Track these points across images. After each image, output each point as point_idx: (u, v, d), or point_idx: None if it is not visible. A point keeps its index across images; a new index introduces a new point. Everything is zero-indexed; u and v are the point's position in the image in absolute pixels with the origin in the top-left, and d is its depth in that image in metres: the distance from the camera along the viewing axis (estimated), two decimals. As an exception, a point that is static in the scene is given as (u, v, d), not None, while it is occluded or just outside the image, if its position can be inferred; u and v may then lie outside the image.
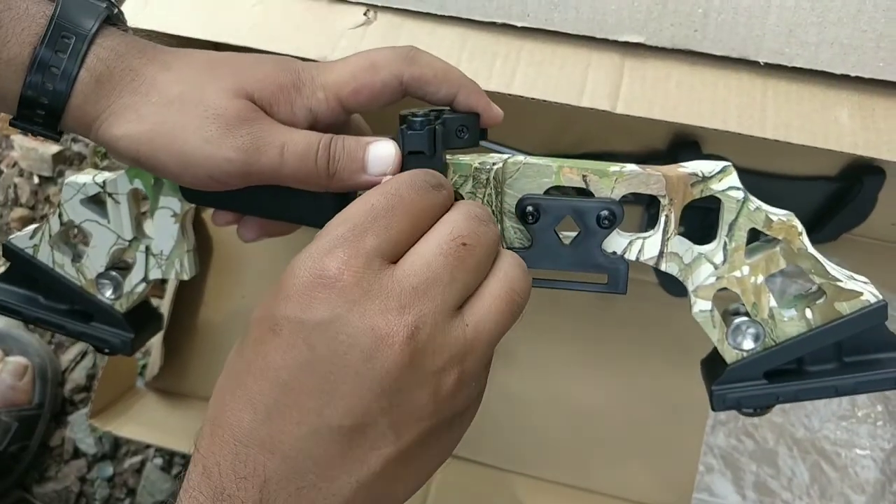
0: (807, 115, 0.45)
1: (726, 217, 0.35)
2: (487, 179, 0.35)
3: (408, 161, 0.34)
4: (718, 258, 0.36)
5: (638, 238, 0.35)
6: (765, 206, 0.35)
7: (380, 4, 0.49)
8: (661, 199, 0.34)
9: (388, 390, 0.25)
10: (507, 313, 0.28)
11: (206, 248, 0.64)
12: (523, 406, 0.62)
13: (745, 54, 0.46)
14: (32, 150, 0.72)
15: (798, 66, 0.46)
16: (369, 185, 0.33)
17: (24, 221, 0.73)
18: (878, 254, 0.61)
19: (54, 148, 0.72)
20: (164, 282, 0.65)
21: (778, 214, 0.35)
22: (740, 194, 0.35)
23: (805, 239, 0.35)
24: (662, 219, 0.35)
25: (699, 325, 0.37)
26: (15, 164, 0.74)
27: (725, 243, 0.35)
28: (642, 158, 0.58)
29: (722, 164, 0.35)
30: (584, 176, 0.34)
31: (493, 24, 0.48)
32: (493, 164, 0.34)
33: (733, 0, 0.46)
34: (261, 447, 0.25)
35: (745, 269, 0.36)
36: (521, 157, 0.35)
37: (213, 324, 0.64)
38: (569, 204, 0.34)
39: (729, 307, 0.37)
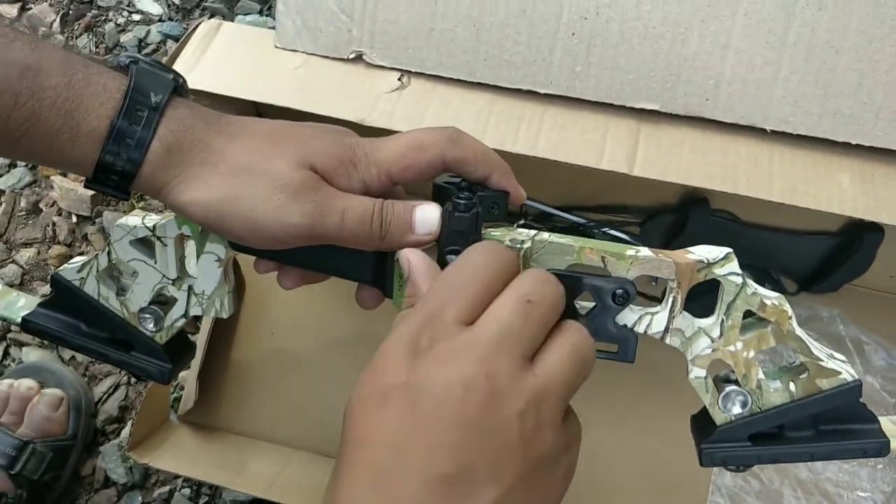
0: (811, 180, 0.49)
1: (725, 298, 0.39)
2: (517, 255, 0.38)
3: (450, 237, 0.38)
4: (715, 333, 0.39)
5: (647, 314, 0.39)
6: (760, 291, 0.39)
7: (414, 70, 0.53)
8: (671, 283, 0.38)
9: (481, 432, 0.29)
10: (573, 368, 0.32)
11: (239, 287, 0.67)
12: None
13: (753, 122, 0.50)
14: (72, 190, 0.75)
15: (802, 133, 0.49)
16: (416, 245, 0.38)
17: (62, 259, 0.76)
18: (878, 304, 0.64)
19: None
20: (198, 318, 0.69)
21: (771, 298, 0.39)
22: (739, 279, 0.39)
23: (794, 322, 0.39)
24: (670, 300, 0.39)
25: (694, 389, 0.40)
26: (54, 203, 0.77)
27: (723, 321, 0.39)
28: (654, 211, 0.62)
29: (725, 251, 0.39)
30: (602, 257, 0.38)
31: (519, 90, 0.52)
32: (522, 241, 0.38)
33: (742, 73, 0.49)
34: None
35: (739, 345, 0.39)
36: (546, 236, 0.38)
37: (244, 360, 0.67)
38: (589, 280, 0.37)
39: (720, 373, 0.41)
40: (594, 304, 0.38)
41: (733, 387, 0.40)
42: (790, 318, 0.39)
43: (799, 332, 0.39)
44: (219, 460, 0.63)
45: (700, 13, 0.49)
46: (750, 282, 0.39)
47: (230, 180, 0.36)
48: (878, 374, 0.60)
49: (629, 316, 0.38)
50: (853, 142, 0.49)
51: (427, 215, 0.38)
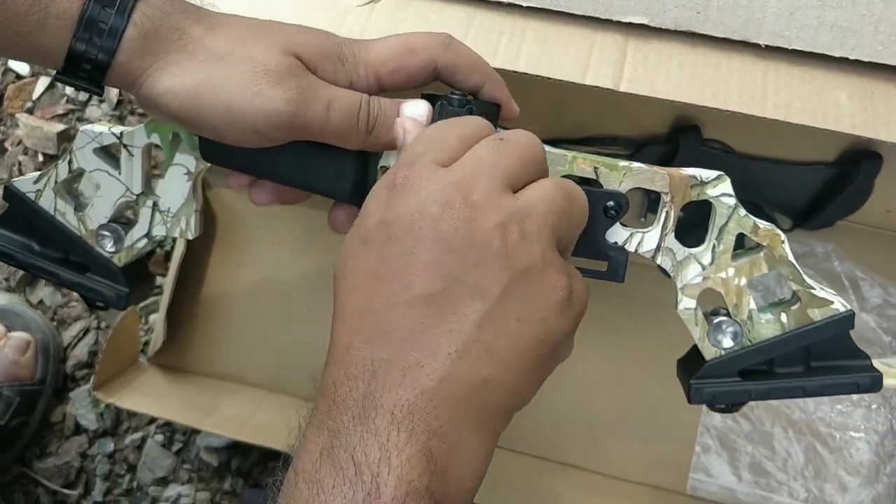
0: (806, 97, 0.46)
1: (717, 221, 0.38)
2: None
3: None
4: (706, 259, 0.38)
5: (638, 231, 0.37)
6: (752, 216, 0.38)
7: (386, -17, 0.50)
8: (664, 196, 0.37)
9: (461, 246, 0.28)
10: (558, 196, 0.31)
11: (209, 227, 0.64)
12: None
13: (746, 36, 0.47)
14: (37, 128, 0.72)
15: (798, 48, 0.47)
16: (398, 143, 0.36)
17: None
18: (874, 241, 0.62)
19: (59, 126, 0.72)
20: (167, 256, 0.66)
21: (764, 224, 0.38)
22: (732, 201, 0.37)
23: (787, 247, 0.38)
24: (663, 214, 0.37)
25: (683, 321, 0.39)
26: (20, 142, 0.74)
27: (714, 245, 0.38)
28: (643, 142, 0.59)
29: (717, 172, 0.38)
30: (595, 168, 0.37)
31: (500, 3, 0.49)
32: None
33: (736, -18, 0.46)
34: (368, 342, 0.28)
35: (731, 271, 0.38)
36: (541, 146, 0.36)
37: (214, 301, 0.65)
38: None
39: (709, 309, 0.39)
40: None
41: (724, 318, 0.39)
42: (783, 242, 0.38)
43: (792, 258, 0.38)
44: (188, 401, 0.61)
45: (692, -83, 0.46)
46: (741, 206, 0.38)
47: (209, 67, 0.34)
48: (874, 311, 0.58)
49: (620, 233, 0.37)
50: (851, 57, 0.46)
51: (415, 109, 0.37)
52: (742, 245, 0.39)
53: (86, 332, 0.72)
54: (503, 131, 0.33)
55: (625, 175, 0.36)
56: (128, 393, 0.59)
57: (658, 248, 0.37)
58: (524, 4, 0.48)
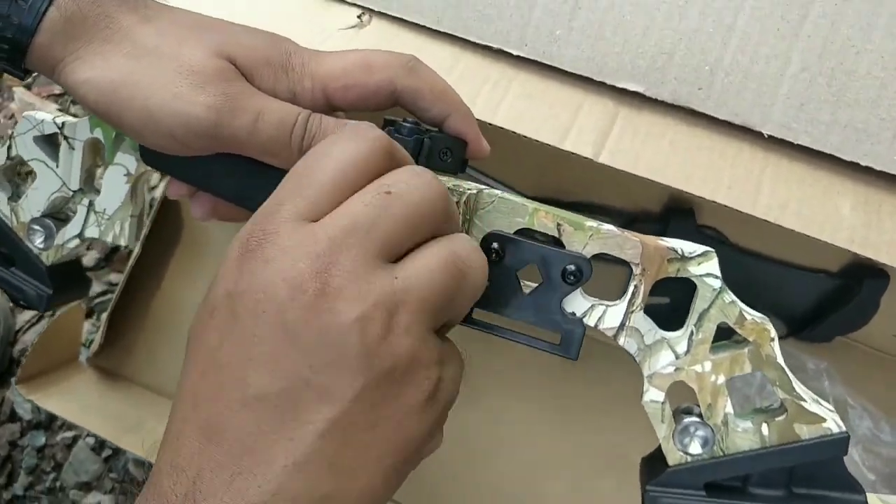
0: (805, 200, 0.41)
1: (698, 305, 0.33)
2: (458, 203, 0.32)
3: None
4: (681, 347, 0.33)
5: (601, 304, 0.32)
6: (740, 303, 0.33)
7: (376, 9, 0.47)
8: (634, 268, 0.32)
9: (310, 343, 0.24)
10: (445, 274, 0.26)
11: (174, 234, 0.62)
12: (482, 459, 0.58)
13: (750, 123, 0.43)
14: (31, 104, 0.71)
15: (804, 144, 0.42)
16: None
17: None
18: (873, 365, 0.56)
19: (52, 106, 0.71)
20: (130, 255, 0.63)
21: (753, 315, 0.33)
22: (717, 283, 0.32)
23: (776, 347, 0.33)
24: (630, 288, 0.32)
25: (647, 415, 0.34)
26: (13, 115, 0.73)
27: (692, 332, 0.33)
28: (635, 216, 0.55)
29: (704, 248, 0.33)
30: (559, 224, 0.32)
31: (489, 48, 0.45)
32: (468, 189, 0.32)
33: (745, 62, 0.42)
34: (199, 434, 0.24)
35: (707, 365, 0.33)
36: (497, 192, 0.32)
37: (165, 310, 0.62)
38: (537, 249, 0.31)
39: (682, 405, 0.34)
40: (540, 282, 0.32)
41: (694, 419, 0.33)
42: (772, 339, 0.33)
43: (781, 360, 0.33)
44: (114, 413, 0.57)
45: (705, -14, 0.42)
46: (729, 291, 0.33)
47: (132, 62, 0.31)
48: (860, 444, 0.52)
49: (579, 303, 0.32)
50: (862, 163, 0.41)
51: None
52: (727, 336, 0.34)
53: (40, 318, 0.70)
54: (393, 177, 0.27)
55: (591, 237, 0.32)
56: (53, 392, 0.56)
57: (622, 326, 0.33)
58: (514, 53, 0.45)
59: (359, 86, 0.33)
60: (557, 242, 0.32)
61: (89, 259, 0.70)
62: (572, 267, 0.31)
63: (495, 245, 0.32)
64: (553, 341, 0.32)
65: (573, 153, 0.42)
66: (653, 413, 0.33)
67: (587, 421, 0.57)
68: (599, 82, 0.44)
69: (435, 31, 0.46)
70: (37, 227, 0.41)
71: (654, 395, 0.33)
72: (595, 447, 0.57)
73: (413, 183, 0.26)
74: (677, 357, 0.33)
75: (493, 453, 0.58)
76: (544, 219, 0.32)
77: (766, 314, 0.57)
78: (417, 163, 0.32)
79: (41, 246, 0.41)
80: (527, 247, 0.31)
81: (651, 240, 0.33)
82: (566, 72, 0.45)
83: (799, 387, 0.33)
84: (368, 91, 0.33)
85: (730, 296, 0.32)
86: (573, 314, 0.32)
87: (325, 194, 0.26)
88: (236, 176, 0.35)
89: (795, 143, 0.42)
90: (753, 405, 0.55)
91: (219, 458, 0.24)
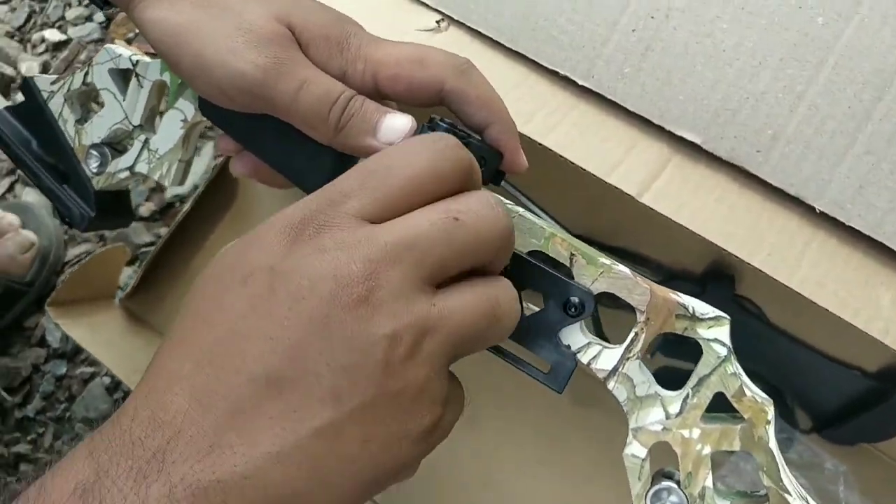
0: (845, 283, 0.40)
1: (700, 369, 0.31)
2: None
3: None
4: (674, 408, 0.31)
5: (598, 344, 0.32)
6: (744, 377, 0.31)
7: (456, 17, 0.48)
8: (638, 315, 0.31)
9: (336, 343, 0.24)
10: (481, 316, 0.26)
11: (227, 199, 0.64)
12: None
13: (803, 195, 0.42)
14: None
15: (855, 227, 0.41)
16: (373, 152, 0.32)
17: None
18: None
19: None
20: (168, 206, 0.66)
21: (754, 392, 0.31)
22: (724, 351, 0.31)
23: (771, 431, 0.31)
24: (631, 335, 0.31)
25: (626, 469, 0.32)
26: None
27: (688, 395, 0.31)
28: (674, 273, 0.54)
29: (718, 313, 0.32)
30: (572, 254, 0.31)
31: (556, 74, 0.46)
32: None
33: (809, 134, 0.41)
34: (191, 394, 0.24)
35: (696, 433, 0.31)
36: (519, 209, 0.32)
37: (201, 270, 0.63)
38: (546, 274, 0.31)
39: (664, 468, 0.33)
40: (541, 308, 0.31)
41: (671, 484, 0.32)
42: (768, 422, 0.31)
43: (773, 445, 0.31)
44: (131, 355, 0.59)
45: (782, 50, 0.41)
46: (735, 362, 0.31)
47: (198, 11, 0.33)
48: (865, 558, 0.49)
49: (576, 337, 0.32)
50: (915, 258, 0.40)
51: (398, 123, 0.32)
52: (724, 408, 0.32)
53: (89, 254, 0.73)
54: (466, 203, 0.27)
55: (601, 274, 0.31)
56: (81, 322, 0.58)
57: (614, 371, 0.31)
58: (579, 82, 0.45)
59: (408, 78, 0.33)
60: (566, 270, 0.32)
61: (145, 209, 0.72)
62: (576, 299, 0.31)
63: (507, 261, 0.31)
64: (543, 369, 0.32)
65: (617, 187, 0.42)
66: (631, 468, 0.32)
67: (578, 470, 0.56)
68: (658, 126, 0.44)
69: (508, 48, 0.47)
70: (94, 153, 0.43)
71: (636, 449, 0.32)
72: (577, 485, 0.55)
73: (482, 214, 0.26)
74: (668, 417, 0.31)
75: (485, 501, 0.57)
76: (559, 245, 0.31)
77: (795, 402, 0.55)
78: None
79: (94, 171, 0.44)
80: (536, 270, 0.31)
81: (663, 290, 0.32)
82: (627, 110, 0.44)
83: (787, 478, 0.31)
84: (417, 85, 0.33)
85: (734, 367, 0.31)
86: (568, 347, 0.31)
87: (394, 199, 0.26)
88: (279, 141, 0.36)
89: (847, 223, 0.41)
90: (736, 487, 0.52)
91: (204, 424, 0.23)
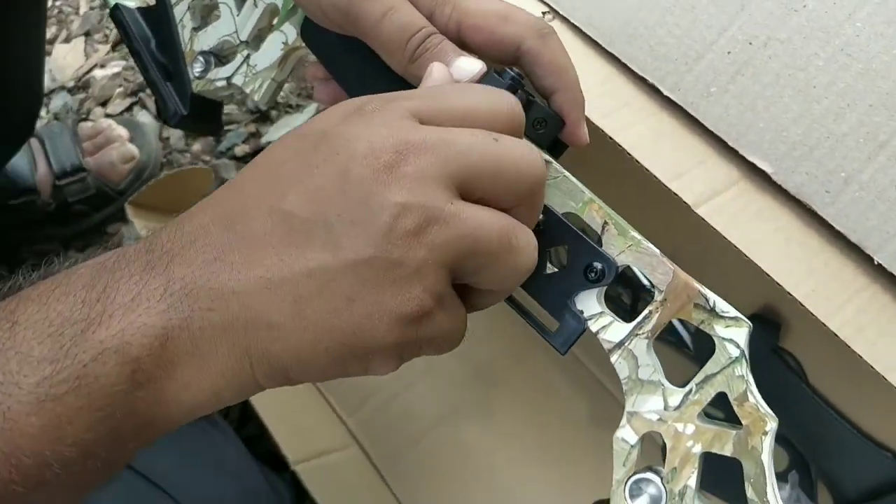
0: (887, 335, 0.39)
1: (708, 367, 0.31)
2: None
3: None
4: (674, 400, 0.31)
5: (610, 315, 0.32)
6: (752, 384, 0.30)
7: (561, 12, 0.50)
8: (656, 294, 0.31)
9: (352, 197, 0.26)
10: (495, 238, 0.27)
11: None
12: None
13: (864, 244, 0.41)
14: None
15: (912, 285, 0.39)
16: None
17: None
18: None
19: None
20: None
21: (758, 401, 0.30)
22: (736, 352, 0.30)
23: (767, 443, 0.30)
24: (644, 312, 0.31)
25: (613, 451, 0.32)
26: None
27: (691, 390, 0.31)
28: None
29: (739, 315, 0.31)
30: (605, 222, 0.32)
31: (644, 81, 0.47)
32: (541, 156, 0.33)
33: (883, 184, 0.40)
34: (216, 215, 0.27)
35: (690, 429, 0.31)
36: (565, 171, 0.33)
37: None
38: (577, 236, 0.32)
39: (654, 465, 0.32)
40: (562, 266, 0.32)
41: (653, 475, 0.31)
42: (766, 433, 0.30)
43: (767, 459, 0.30)
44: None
45: (873, 96, 0.41)
46: (747, 367, 0.30)
47: None
48: None
49: (591, 304, 0.32)
50: (968, 331, 0.38)
51: (469, 66, 0.34)
52: (725, 409, 0.31)
53: (180, 177, 0.77)
54: (512, 141, 0.29)
55: (629, 247, 0.32)
56: (154, 226, 0.62)
57: (620, 344, 0.31)
58: (665, 92, 0.46)
59: (490, 31, 0.34)
60: (595, 236, 0.32)
61: (240, 150, 0.77)
62: (599, 265, 0.31)
63: (542, 216, 0.32)
64: (550, 326, 0.32)
65: (675, 194, 0.42)
66: (619, 451, 0.31)
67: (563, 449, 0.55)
68: (732, 149, 0.44)
69: (605, 49, 0.48)
70: (200, 59, 0.47)
71: (627, 434, 0.31)
72: (566, 473, 0.54)
73: (522, 152, 0.28)
74: (666, 408, 0.31)
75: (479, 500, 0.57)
76: (595, 212, 0.32)
77: (819, 475, 0.52)
78: None
79: (196, 74, 0.47)
80: (567, 230, 0.32)
81: (686, 276, 0.32)
82: (705, 127, 0.45)
83: (773, 494, 0.29)
84: (497, 39, 0.34)
85: (743, 370, 0.30)
86: (581, 311, 0.32)
87: (447, 112, 0.28)
88: (362, 69, 0.38)
89: (903, 281, 0.40)
90: None
91: (217, 240, 0.26)
